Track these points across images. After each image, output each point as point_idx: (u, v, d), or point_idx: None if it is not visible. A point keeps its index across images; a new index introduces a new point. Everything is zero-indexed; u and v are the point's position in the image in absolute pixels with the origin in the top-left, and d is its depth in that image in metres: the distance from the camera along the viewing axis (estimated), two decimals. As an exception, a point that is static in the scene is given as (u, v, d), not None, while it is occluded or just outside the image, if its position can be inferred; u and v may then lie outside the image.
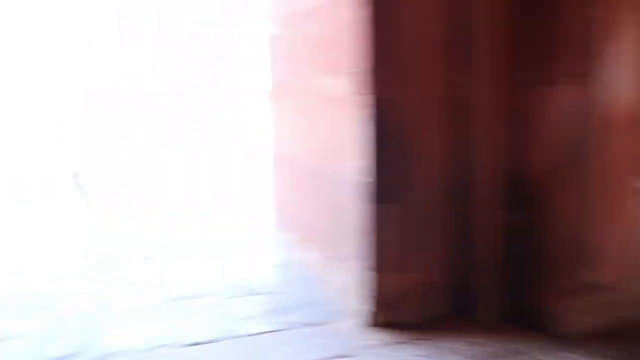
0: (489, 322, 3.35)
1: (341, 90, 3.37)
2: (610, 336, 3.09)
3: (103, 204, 8.06)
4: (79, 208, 8.05)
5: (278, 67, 5.09)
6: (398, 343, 3.17)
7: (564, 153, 2.99)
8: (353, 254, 3.49)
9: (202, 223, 7.75)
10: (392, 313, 3.32)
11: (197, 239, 5.51)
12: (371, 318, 3.32)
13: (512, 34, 3.06)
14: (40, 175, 11.93)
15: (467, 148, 3.19)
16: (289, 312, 3.65)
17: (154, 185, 11.38)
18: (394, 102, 3.11)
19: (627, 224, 3.16)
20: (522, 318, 3.30)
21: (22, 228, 7.09)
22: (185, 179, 12.70)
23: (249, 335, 3.33)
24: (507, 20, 3.06)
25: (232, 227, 6.80)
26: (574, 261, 3.04)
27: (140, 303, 3.78)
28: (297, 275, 4.38)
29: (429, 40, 3.11)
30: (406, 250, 3.33)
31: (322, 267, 4.03)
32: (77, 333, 3.30)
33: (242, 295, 3.95)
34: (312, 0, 3.77)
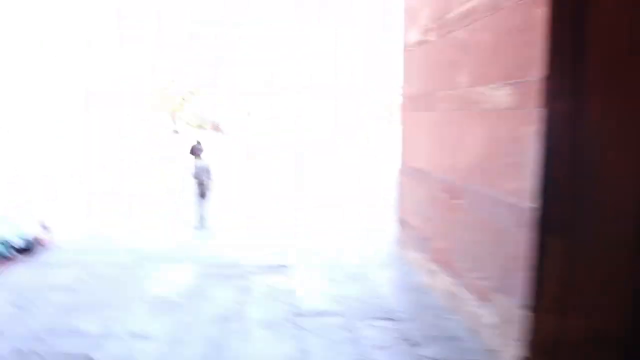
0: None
1: (503, 101, 2.98)
2: None
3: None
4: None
5: (415, 77, 4.78)
6: (553, 398, 2.72)
7: None
8: (504, 287, 3.07)
9: (326, 236, 7.75)
10: (547, 360, 2.86)
11: (321, 252, 5.37)
12: (522, 364, 2.89)
13: None
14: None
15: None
16: (423, 344, 3.30)
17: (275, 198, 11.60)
18: (570, 117, 2.65)
19: None
20: None
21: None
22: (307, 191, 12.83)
23: (381, 368, 3.05)
24: None
25: (356, 242, 6.64)
26: None
27: (269, 314, 3.65)
28: (428, 301, 4.02)
29: (624, 44, 2.62)
30: (570, 290, 2.83)
31: (461, 297, 3.63)
32: (204, 340, 3.24)
33: (370, 318, 3.67)
34: (470, 3, 3.41)
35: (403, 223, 5.17)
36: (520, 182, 2.84)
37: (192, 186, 9.04)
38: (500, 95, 3.02)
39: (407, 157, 5.04)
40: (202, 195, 8.95)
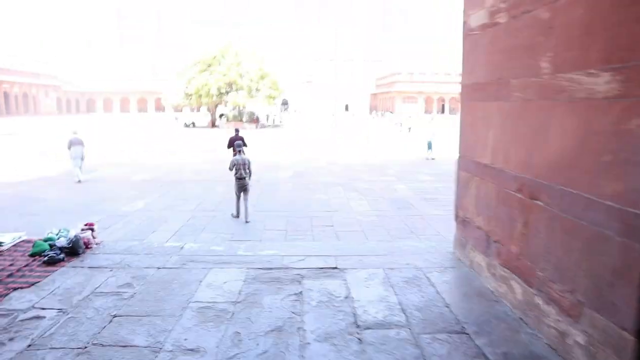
0: None
1: (603, 89, 2.56)
2: None
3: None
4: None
5: (479, 65, 4.34)
6: None
7: None
8: (600, 303, 2.67)
9: (376, 233, 7.44)
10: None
11: (373, 252, 5.04)
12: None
13: None
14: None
15: None
16: (500, 364, 2.95)
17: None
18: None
19: None
20: None
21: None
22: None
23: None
24: None
25: (408, 241, 6.27)
26: None
27: (326, 325, 3.35)
28: (499, 312, 3.64)
29: None
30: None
31: (541, 310, 3.23)
32: (258, 356, 2.97)
33: (438, 330, 3.33)
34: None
35: (464, 222, 4.77)
36: (625, 183, 2.43)
37: (233, 180, 8.87)
38: (599, 82, 2.60)
39: (468, 151, 4.62)
40: (242, 189, 8.74)
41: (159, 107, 79.20)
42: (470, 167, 4.58)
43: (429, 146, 17.70)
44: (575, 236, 2.85)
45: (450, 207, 9.82)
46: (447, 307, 3.72)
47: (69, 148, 12.73)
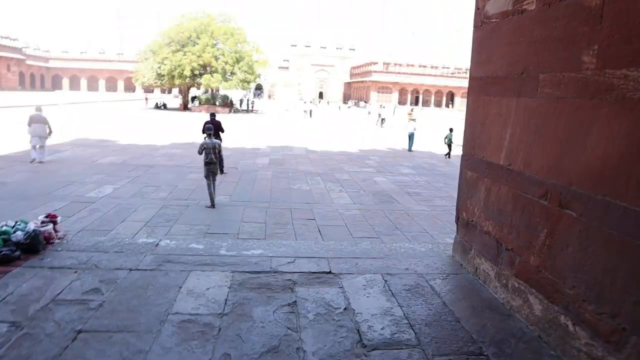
0: None
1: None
2: None
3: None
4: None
5: (497, 56, 3.93)
6: None
7: None
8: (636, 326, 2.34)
9: (365, 236, 7.06)
10: None
11: (367, 254, 4.63)
12: None
13: None
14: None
15: None
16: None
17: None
18: None
19: None
20: None
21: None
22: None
23: None
24: None
25: (404, 242, 5.87)
26: None
27: (328, 345, 2.92)
28: (515, 328, 3.29)
29: None
30: None
31: (568, 331, 2.89)
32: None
33: (452, 352, 2.94)
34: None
35: (468, 226, 4.42)
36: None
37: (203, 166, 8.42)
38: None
39: (477, 149, 4.24)
40: (211, 173, 8.33)
41: (129, 87, 76.85)
42: (479, 166, 4.21)
43: (410, 138, 17.39)
44: (623, 256, 2.49)
45: (434, 203, 9.63)
46: (458, 321, 3.35)
47: (29, 125, 11.86)
